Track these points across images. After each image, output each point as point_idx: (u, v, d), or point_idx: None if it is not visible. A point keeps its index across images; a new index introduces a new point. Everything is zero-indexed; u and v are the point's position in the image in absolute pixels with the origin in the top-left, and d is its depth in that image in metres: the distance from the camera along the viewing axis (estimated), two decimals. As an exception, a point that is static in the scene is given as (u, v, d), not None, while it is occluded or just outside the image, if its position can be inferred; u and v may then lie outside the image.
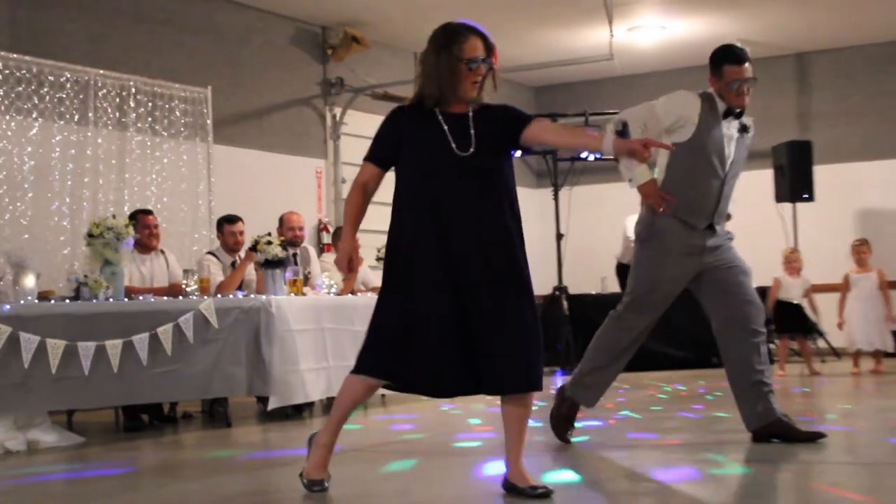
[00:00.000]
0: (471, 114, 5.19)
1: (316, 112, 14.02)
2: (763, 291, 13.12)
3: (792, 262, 12.64)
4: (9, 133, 9.96)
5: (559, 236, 14.08)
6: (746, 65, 6.79)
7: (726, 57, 6.85)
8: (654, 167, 6.66)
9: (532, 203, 17.14)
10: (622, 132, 5.91)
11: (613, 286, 15.08)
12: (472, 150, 5.08)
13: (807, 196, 14.63)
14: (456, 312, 4.97)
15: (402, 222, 5.26)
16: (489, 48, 5.34)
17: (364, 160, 5.39)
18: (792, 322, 12.52)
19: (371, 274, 11.15)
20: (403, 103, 5.40)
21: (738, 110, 6.75)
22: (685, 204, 6.57)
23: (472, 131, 5.13)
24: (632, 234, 14.68)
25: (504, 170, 5.17)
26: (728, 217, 6.90)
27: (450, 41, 5.28)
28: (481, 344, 4.97)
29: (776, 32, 15.11)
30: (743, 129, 6.81)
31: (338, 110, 14.12)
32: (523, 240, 5.16)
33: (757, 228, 14.35)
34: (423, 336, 4.95)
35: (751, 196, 15.45)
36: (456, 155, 5.08)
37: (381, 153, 5.33)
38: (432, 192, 5.11)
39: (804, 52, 16.22)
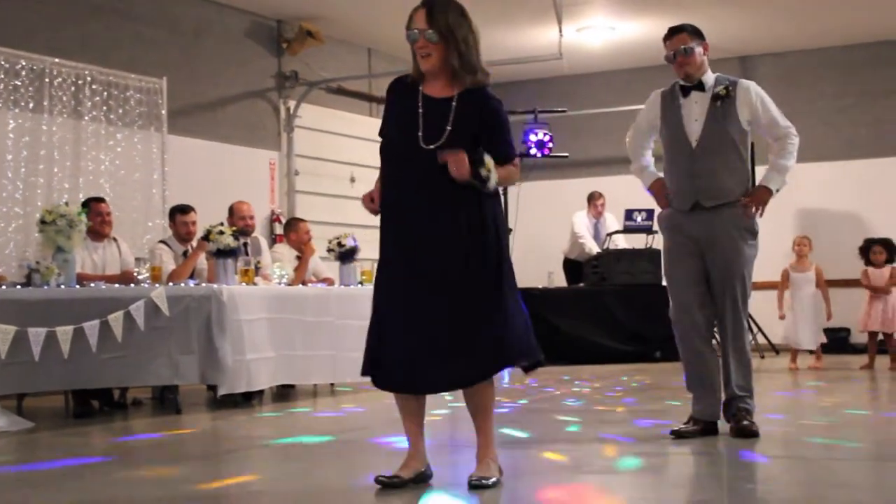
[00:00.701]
0: (455, 100, 4.94)
1: (270, 105, 13.94)
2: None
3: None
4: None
5: (508, 231, 14.03)
6: (676, 37, 6.79)
7: (664, 37, 6.91)
8: None
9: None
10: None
11: (560, 280, 15.14)
12: (441, 142, 4.81)
13: (748, 196, 14.68)
14: (417, 311, 4.78)
15: (382, 214, 4.99)
16: (433, 18, 4.93)
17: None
18: None
19: (322, 265, 11.11)
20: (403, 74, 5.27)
21: (692, 83, 6.72)
22: (672, 191, 6.67)
23: (451, 119, 4.87)
24: (579, 230, 14.90)
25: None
26: (751, 193, 6.71)
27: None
28: (436, 341, 4.77)
29: (721, 36, 15.13)
30: (716, 97, 6.67)
31: (292, 103, 14.05)
32: (495, 234, 4.97)
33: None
34: (387, 336, 4.82)
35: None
36: (421, 148, 4.81)
37: (381, 129, 5.10)
38: (396, 189, 4.89)
39: (748, 55, 16.29)
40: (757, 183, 6.88)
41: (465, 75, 4.98)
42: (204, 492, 5.15)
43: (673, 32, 6.82)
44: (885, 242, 12.36)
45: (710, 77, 6.77)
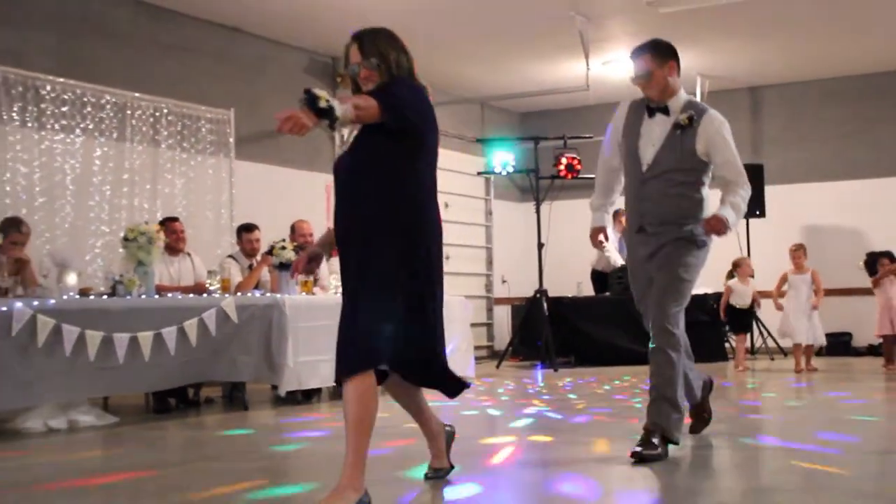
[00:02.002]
0: None
1: (326, 133, 13.99)
2: (719, 296, 13.25)
3: (745, 269, 12.70)
4: (55, 148, 9.96)
5: (540, 245, 14.06)
6: (638, 60, 5.98)
7: (630, 55, 6.13)
8: None
9: (516, 215, 17.18)
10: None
11: (588, 290, 15.12)
12: (353, 147, 4.58)
13: (759, 213, 14.67)
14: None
15: None
16: (365, 50, 4.65)
17: None
18: (737, 322, 12.62)
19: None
20: None
21: (660, 105, 5.91)
22: (627, 211, 6.12)
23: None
24: (605, 244, 14.79)
25: (378, 161, 4.50)
26: (710, 223, 5.81)
27: None
28: None
29: (732, 68, 15.14)
30: (677, 126, 5.82)
31: (345, 131, 13.95)
32: (394, 229, 4.39)
33: (715, 242, 14.34)
34: None
35: (710, 213, 15.55)
36: (344, 156, 4.62)
37: None
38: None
39: (757, 86, 16.25)
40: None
41: None
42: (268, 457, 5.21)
43: (635, 54, 6.02)
44: (889, 255, 12.26)
45: (679, 101, 5.93)
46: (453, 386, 4.83)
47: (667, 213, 5.81)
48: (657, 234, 5.83)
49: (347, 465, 4.19)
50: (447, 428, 5.02)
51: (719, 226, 5.78)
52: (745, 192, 5.98)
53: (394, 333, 4.33)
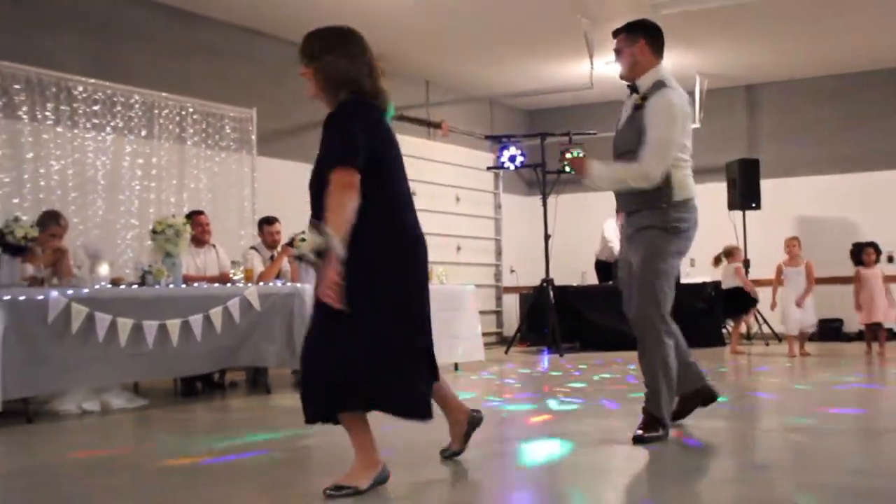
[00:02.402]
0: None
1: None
2: (717, 284, 13.28)
3: (736, 256, 12.75)
4: (87, 145, 10.00)
5: (547, 237, 14.08)
6: (616, 39, 5.79)
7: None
8: None
9: (524, 208, 17.21)
10: None
11: (592, 279, 15.15)
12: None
13: (755, 205, 14.68)
14: None
15: None
16: (301, 51, 4.52)
17: None
18: (734, 305, 12.62)
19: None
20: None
21: (630, 83, 5.73)
22: None
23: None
24: (608, 235, 14.87)
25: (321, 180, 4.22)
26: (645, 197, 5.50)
27: None
28: None
29: (729, 67, 15.14)
30: (636, 106, 5.62)
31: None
32: (354, 255, 4.08)
33: (712, 233, 14.38)
34: None
35: (707, 205, 15.53)
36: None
37: None
38: None
39: (753, 83, 16.24)
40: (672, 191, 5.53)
41: (338, 91, 4.44)
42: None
43: (614, 34, 5.85)
44: (873, 245, 12.26)
45: (647, 80, 5.66)
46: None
47: (629, 197, 5.60)
48: (630, 220, 5.67)
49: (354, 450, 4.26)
50: (474, 414, 4.98)
51: (578, 164, 5.61)
52: (637, 171, 5.43)
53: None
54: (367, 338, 4.09)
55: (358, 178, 4.14)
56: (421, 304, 4.36)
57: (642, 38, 5.70)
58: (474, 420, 4.97)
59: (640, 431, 5.44)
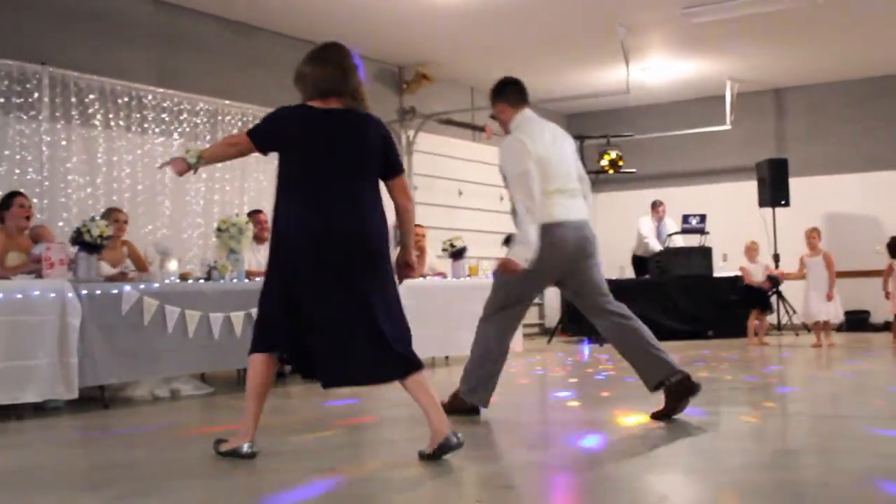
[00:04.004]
0: None
1: (394, 133, 14.06)
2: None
3: (752, 251, 12.64)
4: (155, 150, 10.12)
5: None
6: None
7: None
8: None
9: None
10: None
11: (629, 273, 15.13)
12: None
13: (784, 202, 14.59)
14: None
15: None
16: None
17: None
18: (758, 300, 12.51)
19: (436, 261, 11.26)
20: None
21: None
22: None
23: None
24: (644, 232, 14.85)
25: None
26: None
27: None
28: None
29: (759, 72, 15.05)
30: None
31: (411, 132, 14.20)
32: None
33: (744, 229, 14.34)
34: None
35: (739, 203, 15.51)
36: None
37: None
38: None
39: (781, 87, 16.14)
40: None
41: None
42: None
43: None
44: None
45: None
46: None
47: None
48: None
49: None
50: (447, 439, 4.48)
51: (510, 266, 5.59)
52: (519, 213, 5.63)
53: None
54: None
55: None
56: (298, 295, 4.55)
57: (498, 101, 6.05)
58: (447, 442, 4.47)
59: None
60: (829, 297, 11.71)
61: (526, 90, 6.11)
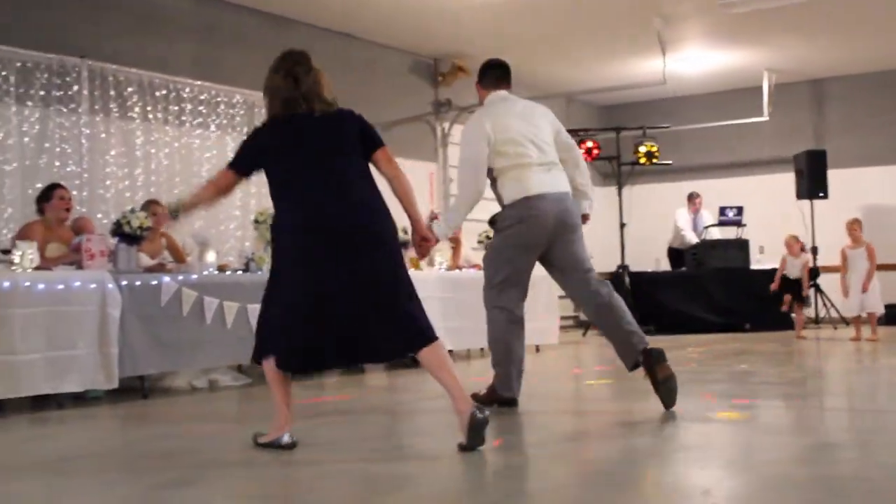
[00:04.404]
0: None
1: (429, 126, 14.13)
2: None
3: (792, 246, 12.51)
4: (193, 142, 10.21)
5: (622, 225, 14.06)
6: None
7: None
8: None
9: (599, 198, 17.08)
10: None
11: (665, 265, 15.10)
12: None
13: (822, 195, 14.48)
14: None
15: None
16: None
17: None
18: (791, 293, 12.37)
19: (472, 253, 11.27)
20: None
21: None
22: None
23: None
24: (681, 224, 14.80)
25: None
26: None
27: None
28: None
29: (797, 63, 14.95)
30: None
31: (446, 125, 14.21)
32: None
33: (781, 220, 14.27)
34: None
35: (776, 194, 15.42)
36: None
37: None
38: None
39: (819, 78, 16.03)
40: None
41: None
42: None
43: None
44: None
45: None
46: None
47: None
48: None
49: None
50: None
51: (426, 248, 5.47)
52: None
53: None
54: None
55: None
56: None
57: (476, 83, 6.35)
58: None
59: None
60: (865, 289, 11.57)
61: (508, 73, 6.29)
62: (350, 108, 4.93)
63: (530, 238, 5.76)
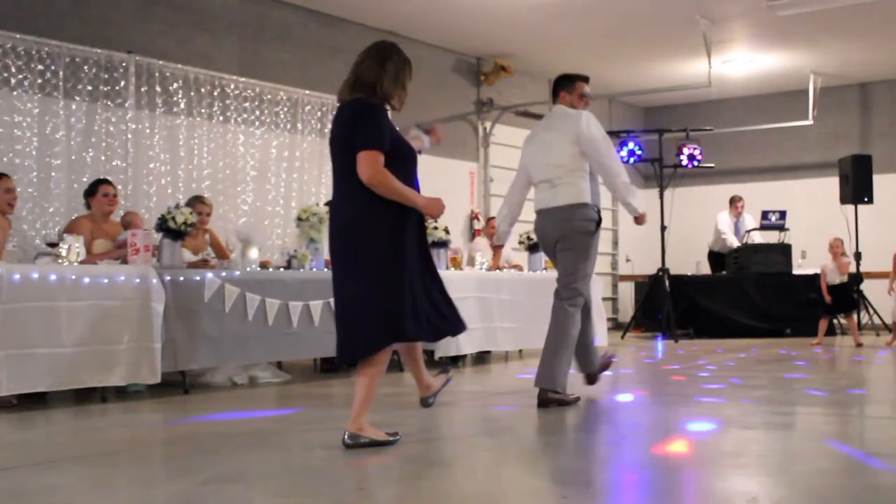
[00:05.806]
0: None
1: (471, 125, 14.15)
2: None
3: (835, 249, 12.31)
4: (238, 139, 10.27)
5: (663, 228, 14.00)
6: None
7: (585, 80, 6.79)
8: None
9: (641, 201, 17.06)
10: None
11: (706, 269, 15.02)
12: None
13: (867, 199, 14.35)
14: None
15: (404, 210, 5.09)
16: None
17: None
18: (839, 302, 12.18)
19: (513, 254, 11.25)
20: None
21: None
22: None
23: None
24: (722, 228, 14.74)
25: None
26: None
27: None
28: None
29: (844, 66, 14.83)
30: None
31: (488, 124, 14.23)
32: None
33: (825, 225, 14.15)
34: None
35: (820, 199, 15.31)
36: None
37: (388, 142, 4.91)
38: None
39: (866, 81, 15.89)
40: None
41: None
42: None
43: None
44: None
45: None
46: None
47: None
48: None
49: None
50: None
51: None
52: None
53: None
54: None
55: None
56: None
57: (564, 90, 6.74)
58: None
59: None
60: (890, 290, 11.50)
61: (555, 87, 6.76)
62: (361, 97, 5.06)
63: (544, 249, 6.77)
